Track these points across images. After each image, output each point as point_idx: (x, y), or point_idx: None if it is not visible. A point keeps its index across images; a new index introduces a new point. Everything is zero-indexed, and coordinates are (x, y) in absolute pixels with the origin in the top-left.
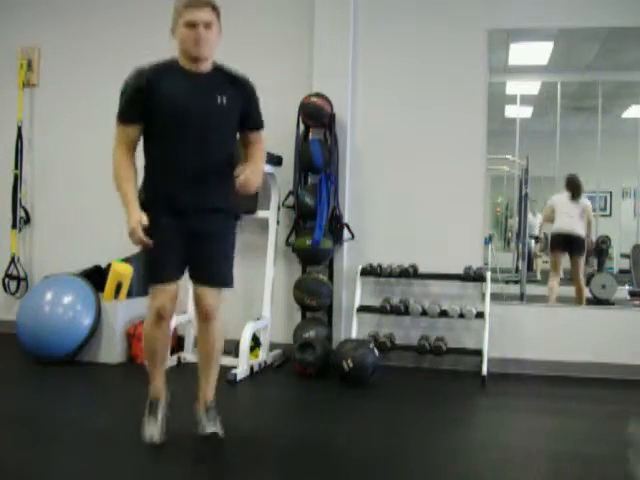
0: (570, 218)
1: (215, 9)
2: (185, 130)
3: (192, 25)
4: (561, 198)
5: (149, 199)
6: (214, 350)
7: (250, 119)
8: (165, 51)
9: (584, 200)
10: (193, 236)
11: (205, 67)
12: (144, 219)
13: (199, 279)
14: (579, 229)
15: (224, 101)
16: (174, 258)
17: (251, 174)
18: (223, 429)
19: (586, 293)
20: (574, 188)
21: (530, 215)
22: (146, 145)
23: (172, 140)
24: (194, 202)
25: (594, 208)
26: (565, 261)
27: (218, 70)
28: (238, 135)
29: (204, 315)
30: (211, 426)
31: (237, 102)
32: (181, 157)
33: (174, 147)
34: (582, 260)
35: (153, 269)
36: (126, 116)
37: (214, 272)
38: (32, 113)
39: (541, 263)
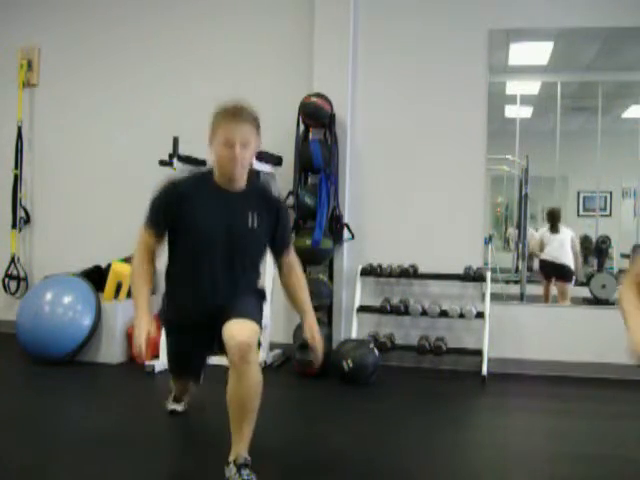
0: (558, 250)
1: (255, 122)
2: (212, 250)
3: (230, 144)
4: (543, 231)
5: (168, 309)
6: (249, 401)
7: (278, 241)
8: (165, 51)
9: (566, 231)
10: (214, 319)
11: (240, 184)
12: (152, 330)
13: (225, 324)
14: (566, 258)
15: (255, 224)
16: (192, 365)
17: (316, 333)
18: None
19: (580, 293)
20: (553, 220)
21: (533, 231)
22: (170, 254)
23: (196, 258)
24: (210, 314)
25: (594, 208)
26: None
27: (252, 187)
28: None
29: (237, 357)
30: None
31: (269, 224)
32: (204, 276)
33: (199, 263)
34: (568, 287)
35: (173, 369)
36: (152, 225)
37: (240, 309)
38: (32, 113)
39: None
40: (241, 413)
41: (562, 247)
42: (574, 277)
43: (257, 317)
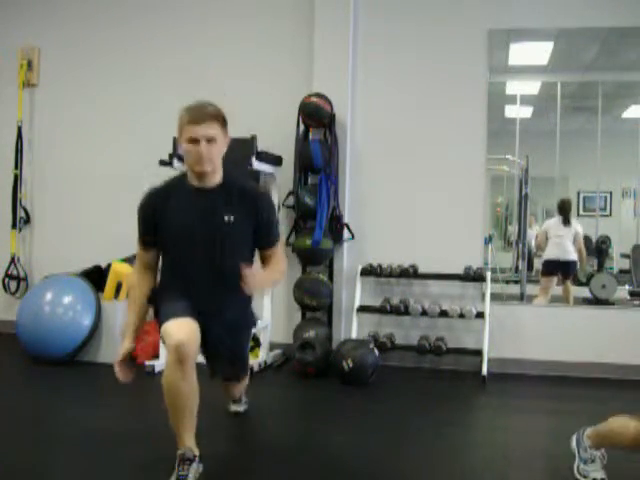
0: (562, 244)
1: (218, 119)
2: (192, 250)
3: (194, 141)
4: (552, 223)
5: (162, 286)
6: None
7: (261, 237)
8: (165, 51)
9: (576, 225)
10: (208, 322)
11: (213, 180)
12: (129, 351)
13: (218, 374)
14: (571, 254)
15: (231, 219)
16: (190, 306)
17: (259, 275)
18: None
19: (580, 293)
20: (566, 212)
21: (536, 227)
22: (162, 263)
23: (181, 260)
24: (208, 310)
25: (594, 208)
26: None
27: (228, 183)
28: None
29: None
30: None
31: (247, 218)
32: (191, 277)
33: (184, 267)
34: (569, 282)
35: (167, 312)
36: (141, 238)
37: (232, 371)
38: (32, 113)
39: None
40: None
41: (571, 242)
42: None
43: (247, 369)
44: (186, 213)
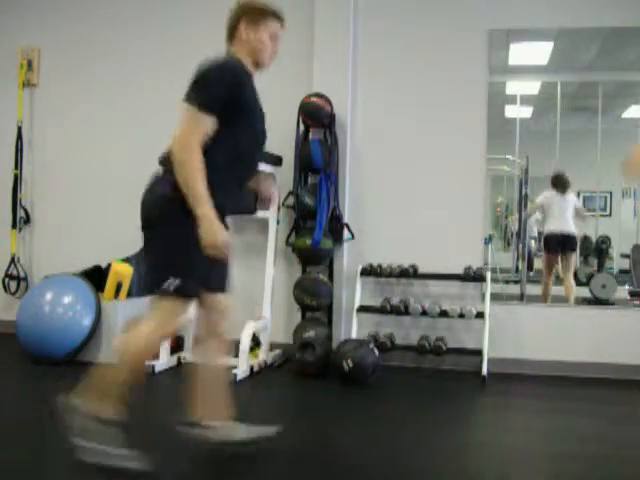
0: (562, 217)
1: None
2: (256, 138)
3: (274, 38)
4: (549, 195)
5: (219, 199)
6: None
7: None
8: (165, 51)
9: (571, 196)
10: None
11: None
12: (228, 237)
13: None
14: (571, 227)
15: None
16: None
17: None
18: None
19: (580, 293)
20: (562, 183)
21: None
22: (216, 143)
23: (244, 146)
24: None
25: (594, 208)
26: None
27: None
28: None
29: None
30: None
31: None
32: (247, 160)
33: (243, 153)
34: (574, 258)
35: (204, 277)
36: (214, 107)
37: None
38: (32, 113)
39: (541, 264)
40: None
41: (571, 215)
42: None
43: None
44: (257, 103)
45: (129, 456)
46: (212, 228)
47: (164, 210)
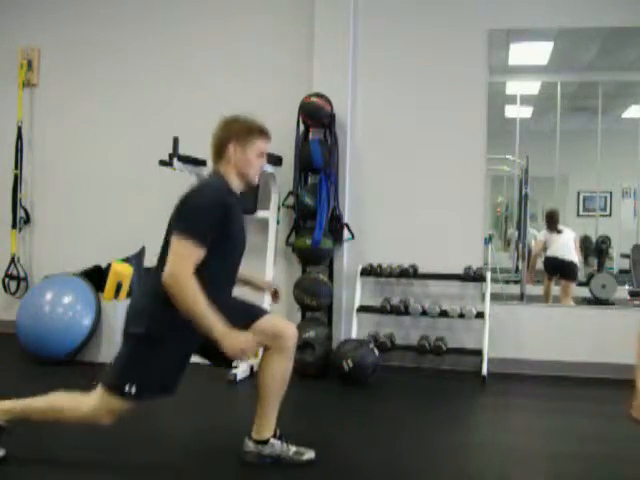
0: (562, 249)
1: None
2: (237, 258)
3: (262, 155)
4: (546, 233)
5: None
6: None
7: None
8: (165, 51)
9: (567, 232)
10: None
11: None
12: (251, 336)
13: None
14: (571, 255)
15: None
16: (182, 372)
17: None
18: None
19: (580, 293)
20: (554, 222)
21: (535, 231)
22: (208, 262)
23: (228, 269)
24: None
25: (594, 208)
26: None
27: None
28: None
29: (293, 343)
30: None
31: None
32: (223, 285)
33: (228, 276)
34: (572, 286)
35: (163, 380)
36: (204, 238)
37: (261, 309)
38: (32, 113)
39: (541, 264)
40: (283, 391)
41: (566, 245)
42: (577, 276)
43: None
44: (239, 223)
45: None
46: (233, 341)
47: (144, 320)
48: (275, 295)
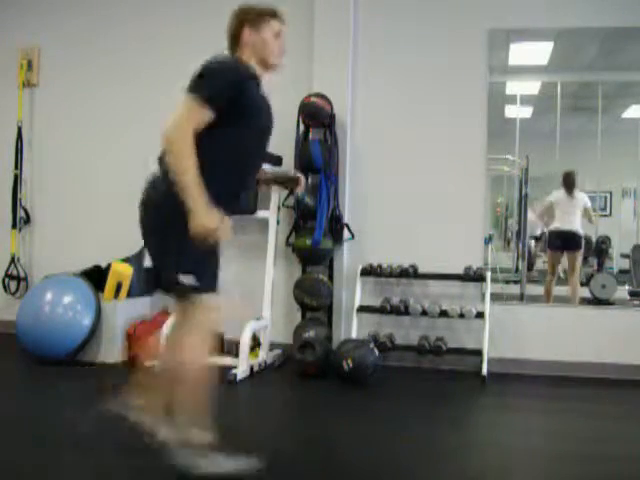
0: (570, 216)
1: None
2: (258, 141)
3: (279, 36)
4: (559, 195)
5: (215, 194)
6: None
7: None
8: (165, 51)
9: (582, 196)
10: None
11: None
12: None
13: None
14: (578, 226)
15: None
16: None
17: None
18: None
19: (580, 293)
20: (568, 184)
21: (530, 213)
22: (216, 140)
23: (246, 147)
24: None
25: (594, 208)
26: (563, 260)
27: None
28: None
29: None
30: None
31: None
32: (245, 166)
33: (246, 154)
34: (580, 258)
35: (210, 276)
36: (213, 101)
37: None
38: (32, 113)
39: (542, 264)
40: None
41: (579, 215)
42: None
43: None
44: (263, 104)
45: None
46: (201, 214)
47: (164, 209)
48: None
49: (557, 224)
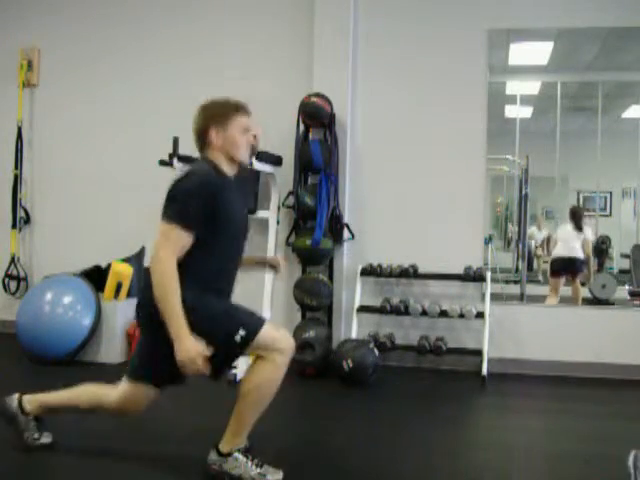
0: (570, 245)
1: None
2: (238, 244)
3: (247, 130)
4: (564, 227)
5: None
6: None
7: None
8: (165, 51)
9: (586, 231)
10: None
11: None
12: (205, 348)
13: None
14: (578, 253)
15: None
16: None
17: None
18: None
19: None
20: (577, 219)
21: (535, 229)
22: (194, 254)
23: (227, 255)
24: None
25: (594, 208)
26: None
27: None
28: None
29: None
30: None
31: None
32: (227, 271)
33: (227, 263)
34: (580, 278)
35: (252, 318)
36: (191, 222)
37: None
38: (32, 113)
39: (542, 264)
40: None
41: (580, 246)
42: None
43: None
44: (236, 203)
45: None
46: (184, 346)
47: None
48: (277, 267)
49: (559, 251)
